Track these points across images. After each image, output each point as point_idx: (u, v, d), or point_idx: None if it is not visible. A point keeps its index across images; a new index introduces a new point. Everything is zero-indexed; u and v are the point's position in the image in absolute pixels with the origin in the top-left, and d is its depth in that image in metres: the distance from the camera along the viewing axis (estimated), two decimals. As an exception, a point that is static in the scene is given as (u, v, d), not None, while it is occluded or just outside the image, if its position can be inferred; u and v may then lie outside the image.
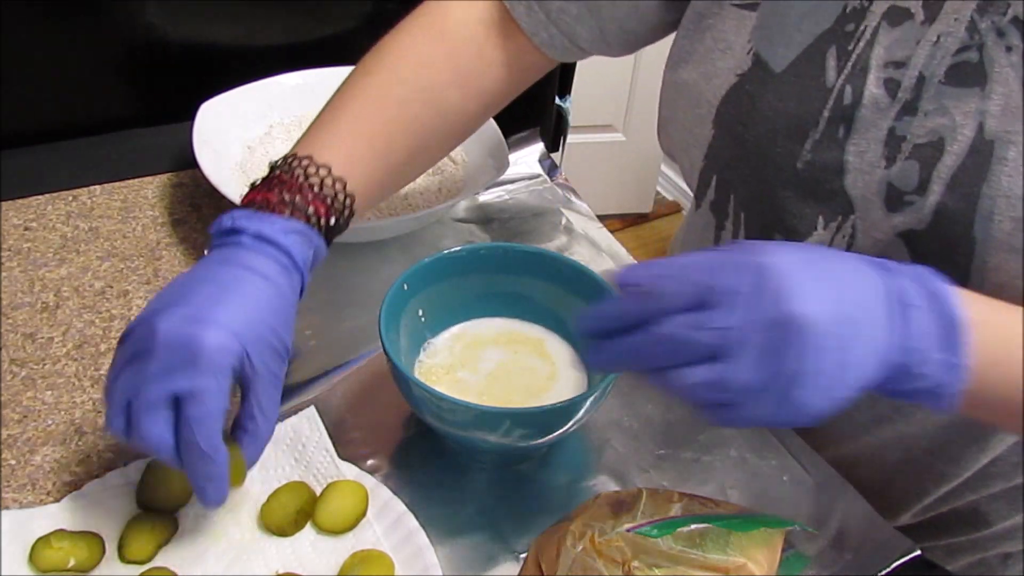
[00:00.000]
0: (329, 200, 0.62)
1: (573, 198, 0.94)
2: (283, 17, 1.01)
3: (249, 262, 0.57)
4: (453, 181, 0.90)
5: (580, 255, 0.87)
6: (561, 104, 1.20)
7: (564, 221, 0.91)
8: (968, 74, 0.56)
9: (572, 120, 1.21)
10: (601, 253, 0.88)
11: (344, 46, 1.03)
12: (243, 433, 0.55)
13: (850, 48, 0.60)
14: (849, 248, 0.63)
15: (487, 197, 0.93)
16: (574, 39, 0.71)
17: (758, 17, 0.64)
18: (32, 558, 0.56)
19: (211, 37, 0.99)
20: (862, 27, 0.60)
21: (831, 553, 0.63)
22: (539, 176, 0.97)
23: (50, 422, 0.66)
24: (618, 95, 2.18)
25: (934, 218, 0.58)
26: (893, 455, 0.71)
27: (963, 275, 0.58)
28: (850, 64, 0.60)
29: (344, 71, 0.96)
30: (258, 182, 0.62)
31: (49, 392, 0.69)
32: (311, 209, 0.60)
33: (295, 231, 0.59)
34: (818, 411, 0.45)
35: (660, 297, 0.46)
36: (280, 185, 0.61)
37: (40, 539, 0.57)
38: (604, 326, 0.48)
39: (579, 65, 0.82)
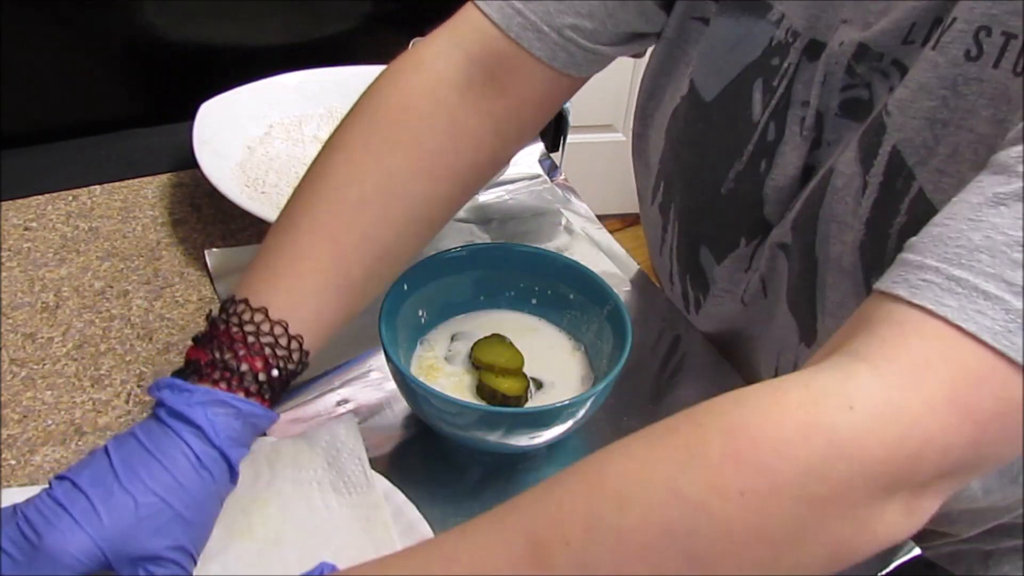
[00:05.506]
0: (269, 350, 0.54)
1: (573, 198, 0.94)
2: (283, 17, 1.01)
3: (157, 444, 0.51)
4: (453, 181, 0.90)
5: (580, 255, 0.86)
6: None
7: (564, 221, 0.91)
8: (860, 109, 0.58)
9: (572, 120, 1.21)
10: (601, 253, 0.88)
11: (344, 46, 1.03)
12: None
13: (775, 84, 0.61)
14: (753, 256, 0.66)
15: (487, 197, 0.93)
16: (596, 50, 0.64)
17: (704, 38, 0.65)
18: None
19: (211, 37, 0.99)
20: (786, 63, 0.60)
21: (831, 553, 0.63)
22: (539, 176, 0.97)
23: (50, 422, 0.66)
24: (618, 95, 2.17)
25: (792, 234, 0.61)
26: None
27: (812, 291, 0.60)
28: (774, 100, 0.61)
29: (344, 71, 0.97)
30: (202, 332, 0.56)
31: (49, 392, 0.69)
32: (244, 367, 0.53)
33: (218, 402, 0.52)
34: None
35: None
36: (213, 340, 0.54)
37: None
38: None
39: (579, 65, 0.81)
